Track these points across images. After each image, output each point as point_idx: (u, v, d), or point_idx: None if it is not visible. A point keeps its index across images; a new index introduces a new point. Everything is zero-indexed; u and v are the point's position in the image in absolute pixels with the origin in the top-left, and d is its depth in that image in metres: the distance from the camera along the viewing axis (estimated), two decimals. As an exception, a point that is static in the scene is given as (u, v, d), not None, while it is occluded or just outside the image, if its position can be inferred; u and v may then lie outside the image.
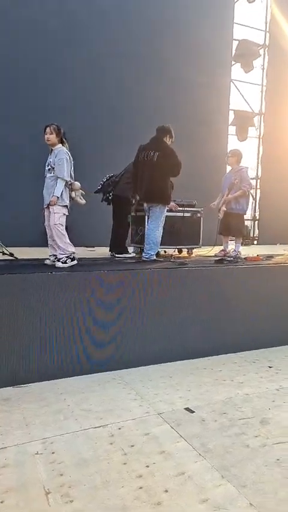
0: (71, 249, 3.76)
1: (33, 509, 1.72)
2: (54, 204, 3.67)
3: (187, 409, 2.72)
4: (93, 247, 7.14)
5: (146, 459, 2.11)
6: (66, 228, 3.83)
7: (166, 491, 1.86)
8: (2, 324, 3.05)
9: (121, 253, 5.15)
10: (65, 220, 3.78)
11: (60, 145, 3.81)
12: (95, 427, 2.44)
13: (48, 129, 3.78)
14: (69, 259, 3.72)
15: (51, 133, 3.77)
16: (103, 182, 5.28)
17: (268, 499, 1.81)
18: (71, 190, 3.77)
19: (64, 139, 3.86)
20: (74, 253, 3.77)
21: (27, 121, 6.98)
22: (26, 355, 3.12)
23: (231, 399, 2.89)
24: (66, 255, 3.71)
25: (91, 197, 5.19)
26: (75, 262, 3.76)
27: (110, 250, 5.32)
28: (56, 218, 3.69)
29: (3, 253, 4.70)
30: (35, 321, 3.17)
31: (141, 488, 1.87)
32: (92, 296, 3.37)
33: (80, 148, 6.30)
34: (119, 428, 2.43)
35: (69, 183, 3.73)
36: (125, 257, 5.07)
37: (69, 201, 3.79)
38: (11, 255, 4.69)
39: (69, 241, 3.77)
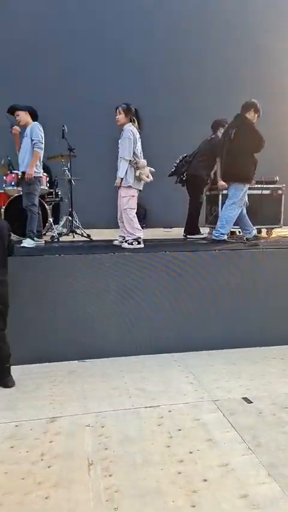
0: (138, 233, 3.78)
1: (74, 478, 1.82)
2: (120, 186, 3.71)
3: (245, 398, 2.59)
4: (171, 228, 7.13)
5: (191, 445, 2.07)
6: (144, 212, 3.80)
7: (205, 480, 1.81)
8: (73, 301, 3.24)
9: (192, 234, 5.03)
10: (134, 202, 3.78)
11: (129, 123, 3.79)
12: (146, 407, 2.47)
13: (117, 111, 3.80)
14: (136, 242, 3.75)
15: (120, 114, 3.79)
16: (177, 164, 5.17)
17: None
18: (136, 168, 3.72)
19: (133, 118, 3.83)
20: (140, 237, 3.78)
21: (104, 102, 7.12)
22: (93, 332, 3.27)
23: (297, 393, 2.67)
24: (133, 238, 3.75)
25: (169, 178, 5.15)
26: (141, 246, 3.77)
27: (184, 231, 5.25)
28: (124, 202, 3.74)
29: (82, 235, 4.98)
30: (103, 299, 3.29)
31: (180, 473, 1.85)
32: (153, 277, 3.37)
33: (157, 129, 6.27)
34: (169, 411, 2.42)
35: (133, 162, 3.70)
36: (197, 238, 4.95)
37: (135, 180, 3.74)
38: (88, 236, 4.94)
39: (137, 226, 3.79)
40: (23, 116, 4.03)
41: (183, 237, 5.13)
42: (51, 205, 5.20)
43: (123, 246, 3.77)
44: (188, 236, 5.08)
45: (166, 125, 7.60)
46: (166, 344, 3.40)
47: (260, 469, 1.88)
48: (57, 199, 5.22)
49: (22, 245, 3.86)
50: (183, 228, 5.24)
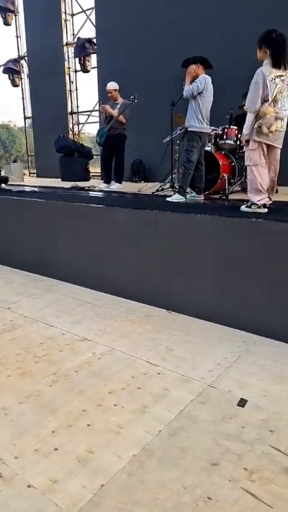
0: (258, 196, 3.31)
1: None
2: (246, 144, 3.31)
3: (242, 399, 2.22)
4: None
5: (145, 389, 2.20)
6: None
7: (110, 392, 2.00)
8: (172, 258, 3.52)
9: None
10: (256, 157, 3.22)
11: (265, 62, 3.08)
12: (149, 362, 2.63)
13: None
14: (255, 205, 3.35)
15: (257, 48, 3.12)
16: None
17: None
18: (258, 117, 3.10)
19: (268, 49, 3.00)
20: (259, 201, 3.32)
21: None
22: (188, 290, 3.43)
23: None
24: (252, 201, 3.38)
25: None
26: (263, 210, 3.32)
27: None
28: (245, 157, 3.36)
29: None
30: (200, 261, 3.34)
31: (110, 393, 2.11)
32: (249, 247, 3.06)
33: None
34: (158, 373, 2.50)
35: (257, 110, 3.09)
36: None
37: (254, 131, 3.16)
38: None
39: (258, 187, 3.28)
40: (192, 68, 4.14)
41: None
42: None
43: (241, 208, 3.46)
44: None
45: None
46: (247, 323, 3.09)
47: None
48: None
49: (167, 199, 4.29)
50: None
